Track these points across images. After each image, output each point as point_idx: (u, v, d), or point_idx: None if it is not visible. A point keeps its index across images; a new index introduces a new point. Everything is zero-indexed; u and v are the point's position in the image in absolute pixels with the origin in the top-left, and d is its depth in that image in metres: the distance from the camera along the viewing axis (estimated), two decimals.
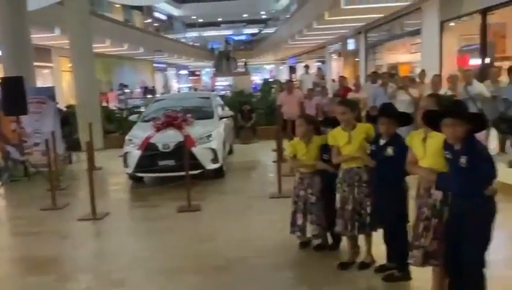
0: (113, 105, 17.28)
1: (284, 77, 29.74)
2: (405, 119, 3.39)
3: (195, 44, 42.48)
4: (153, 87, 29.44)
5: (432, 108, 2.88)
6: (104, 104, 15.54)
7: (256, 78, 32.33)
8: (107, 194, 7.17)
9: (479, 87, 7.18)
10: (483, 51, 10.69)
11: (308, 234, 4.04)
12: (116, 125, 12.03)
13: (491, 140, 7.23)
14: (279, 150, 6.66)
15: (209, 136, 7.14)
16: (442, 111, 2.65)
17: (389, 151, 3.24)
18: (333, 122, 3.79)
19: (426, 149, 2.88)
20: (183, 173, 5.93)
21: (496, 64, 10.25)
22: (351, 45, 20.16)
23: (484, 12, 10.20)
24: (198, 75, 46.30)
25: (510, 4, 9.41)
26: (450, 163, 2.66)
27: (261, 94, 15.18)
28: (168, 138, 6.72)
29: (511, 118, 6.74)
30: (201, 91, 24.52)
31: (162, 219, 5.54)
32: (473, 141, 2.57)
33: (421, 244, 2.93)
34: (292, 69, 34.12)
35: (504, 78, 7.31)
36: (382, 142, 3.33)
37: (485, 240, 2.63)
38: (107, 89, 23.05)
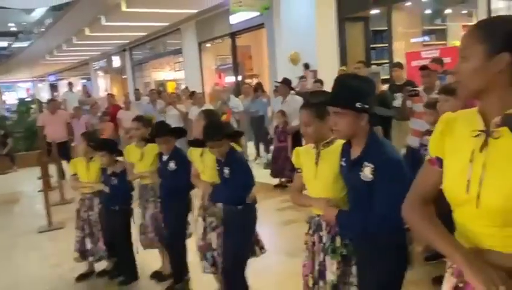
0: None
1: (44, 95, 26.87)
2: (178, 132, 3.54)
3: None
4: None
5: (203, 122, 3.10)
6: None
7: (10, 98, 28.27)
8: None
9: (235, 102, 8.21)
10: (235, 70, 12.25)
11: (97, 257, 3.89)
12: None
13: (249, 147, 8.35)
14: (45, 177, 6.05)
15: None
16: (203, 138, 2.85)
17: (171, 165, 3.36)
18: (108, 146, 3.75)
19: (204, 163, 3.10)
20: None
21: (247, 81, 11.92)
22: (116, 62, 19.85)
23: (233, 35, 11.70)
24: None
25: (253, 30, 11.10)
26: (218, 175, 2.91)
27: (17, 116, 13.40)
28: None
29: (260, 126, 7.97)
30: None
31: None
32: (234, 154, 2.88)
33: (214, 255, 3.08)
34: (54, 87, 31.22)
35: (252, 94, 8.56)
36: (165, 158, 3.42)
37: (243, 246, 2.87)
38: None
